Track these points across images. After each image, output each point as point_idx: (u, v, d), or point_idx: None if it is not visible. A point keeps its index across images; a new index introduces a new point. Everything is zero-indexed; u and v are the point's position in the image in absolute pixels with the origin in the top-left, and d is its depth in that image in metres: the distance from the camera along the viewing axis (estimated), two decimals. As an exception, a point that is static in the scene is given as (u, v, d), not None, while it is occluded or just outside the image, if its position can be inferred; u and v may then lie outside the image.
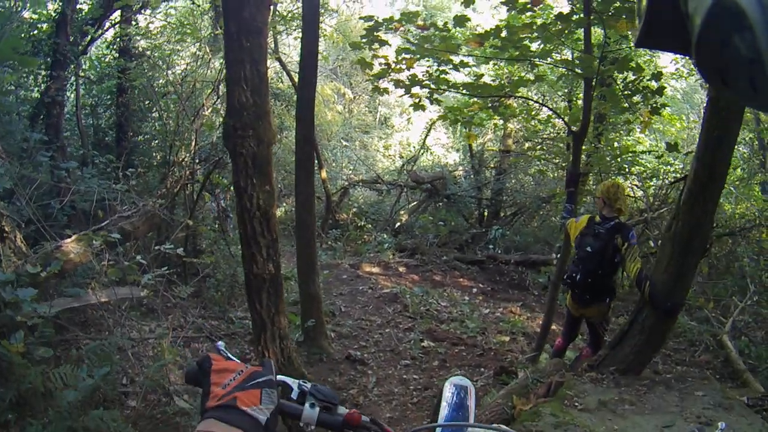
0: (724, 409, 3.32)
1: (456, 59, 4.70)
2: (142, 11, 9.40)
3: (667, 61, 12.69)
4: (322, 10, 10.69)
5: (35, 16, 8.55)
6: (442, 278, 9.20)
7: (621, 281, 5.00)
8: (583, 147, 5.33)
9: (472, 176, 13.35)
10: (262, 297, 3.37)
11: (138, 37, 9.38)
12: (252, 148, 3.18)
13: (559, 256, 6.81)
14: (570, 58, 5.93)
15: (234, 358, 0.99)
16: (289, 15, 9.32)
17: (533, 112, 7.41)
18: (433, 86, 4.75)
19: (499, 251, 10.46)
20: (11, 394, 3.38)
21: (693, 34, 0.47)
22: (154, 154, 9.01)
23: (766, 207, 8.47)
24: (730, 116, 3.62)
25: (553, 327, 6.36)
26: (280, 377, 0.98)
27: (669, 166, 8.19)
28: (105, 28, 9.62)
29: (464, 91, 4.88)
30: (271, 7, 8.95)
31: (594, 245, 4.28)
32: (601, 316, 4.58)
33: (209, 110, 7.80)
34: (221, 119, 9.32)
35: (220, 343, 1.09)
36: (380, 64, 4.81)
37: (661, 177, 8.96)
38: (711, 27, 0.44)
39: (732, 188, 8.42)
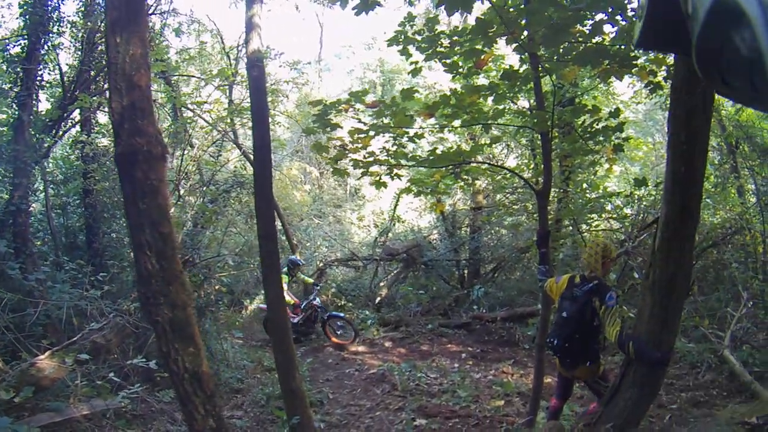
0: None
1: (411, 131, 4.67)
2: (100, 109, 9.21)
3: (623, 87, 12.82)
4: (278, 97, 11.01)
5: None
6: (429, 348, 9.01)
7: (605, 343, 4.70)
8: (552, 193, 5.24)
9: (447, 239, 13.26)
10: (208, 451, 3.27)
11: (99, 136, 9.22)
12: (167, 314, 3.06)
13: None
14: (527, 108, 5.91)
15: None
16: (240, 107, 9.28)
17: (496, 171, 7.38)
18: (392, 161, 4.69)
19: (484, 310, 10.27)
20: None
21: (693, 34, 0.48)
22: (126, 253, 8.70)
23: (745, 210, 8.45)
24: (694, 152, 3.45)
25: (550, 381, 6.12)
26: None
27: (643, 190, 8.14)
28: (66, 128, 9.48)
29: (421, 165, 4.82)
30: (227, 100, 9.07)
31: (570, 309, 4.12)
32: (592, 375, 4.38)
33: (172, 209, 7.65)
34: (190, 213, 9.33)
35: None
36: (335, 147, 4.75)
37: (635, 204, 8.93)
38: (711, 27, 0.45)
39: (708, 200, 8.39)
